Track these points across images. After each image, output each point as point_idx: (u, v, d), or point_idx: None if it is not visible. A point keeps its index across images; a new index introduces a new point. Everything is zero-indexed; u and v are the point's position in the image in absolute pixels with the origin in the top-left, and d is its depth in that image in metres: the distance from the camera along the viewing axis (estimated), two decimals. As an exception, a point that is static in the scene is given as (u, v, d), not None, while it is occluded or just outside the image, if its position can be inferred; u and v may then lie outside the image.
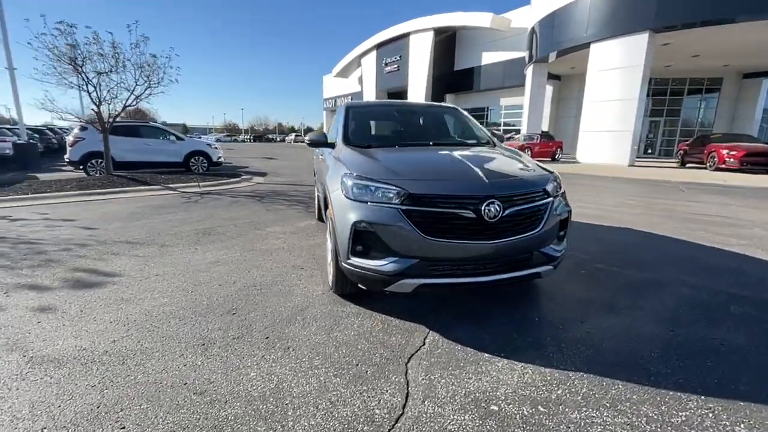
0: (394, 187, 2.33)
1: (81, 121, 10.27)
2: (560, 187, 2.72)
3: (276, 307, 2.71)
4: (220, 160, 12.57)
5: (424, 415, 1.66)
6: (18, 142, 13.44)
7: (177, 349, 2.17)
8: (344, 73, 46.05)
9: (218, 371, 1.96)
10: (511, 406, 1.73)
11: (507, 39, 26.12)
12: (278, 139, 67.37)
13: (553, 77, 24.58)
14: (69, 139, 10.64)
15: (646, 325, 2.47)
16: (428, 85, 31.27)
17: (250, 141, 66.34)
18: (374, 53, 37.99)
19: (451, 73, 31.38)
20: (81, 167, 10.49)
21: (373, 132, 3.99)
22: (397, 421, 1.63)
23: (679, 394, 1.81)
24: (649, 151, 24.81)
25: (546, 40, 19.61)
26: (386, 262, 2.30)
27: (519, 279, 2.47)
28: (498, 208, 2.27)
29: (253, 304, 2.74)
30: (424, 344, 2.25)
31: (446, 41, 30.87)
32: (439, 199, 2.30)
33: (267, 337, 2.31)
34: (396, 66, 35.05)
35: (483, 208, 2.26)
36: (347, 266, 2.45)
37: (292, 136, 62.98)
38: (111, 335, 2.32)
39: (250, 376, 1.92)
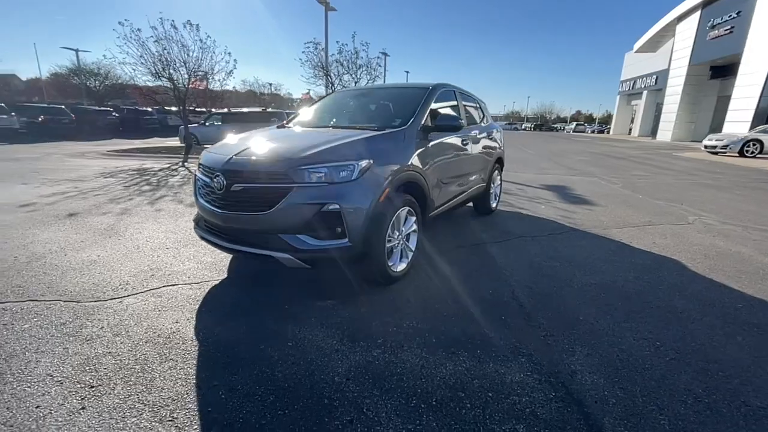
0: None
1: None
2: (335, 179, 2.36)
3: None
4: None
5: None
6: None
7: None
8: (651, 46, 36.78)
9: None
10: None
11: None
12: (560, 128, 62.82)
13: None
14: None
15: None
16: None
17: (530, 129, 65.23)
18: (696, 15, 28.27)
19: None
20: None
21: (316, 115, 4.03)
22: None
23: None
24: None
25: None
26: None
27: (254, 256, 2.50)
28: (221, 182, 2.46)
29: None
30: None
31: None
32: (203, 168, 2.73)
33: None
34: (728, 28, 24.88)
35: (213, 180, 2.53)
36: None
37: (573, 125, 56.96)
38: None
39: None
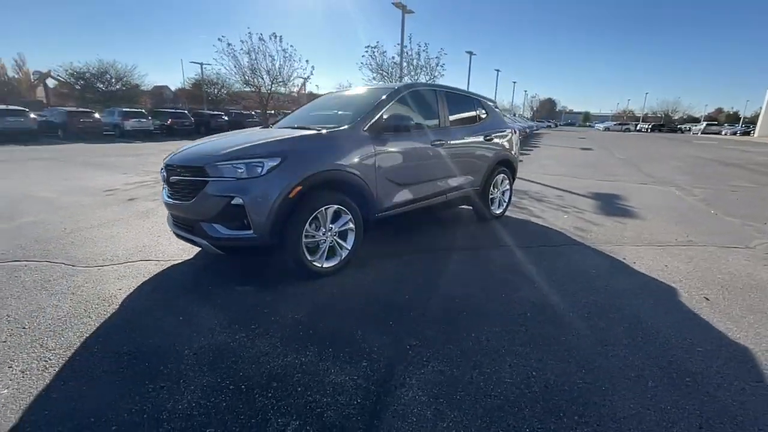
0: None
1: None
2: (242, 175, 2.59)
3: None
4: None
5: (77, 268, 3.12)
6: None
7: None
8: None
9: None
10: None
11: None
12: (686, 129, 53.37)
13: None
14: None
15: None
16: None
17: (647, 131, 56.72)
18: None
19: None
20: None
21: (295, 116, 4.27)
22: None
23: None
24: None
25: None
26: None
27: (187, 240, 2.86)
28: (164, 175, 2.88)
29: None
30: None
31: None
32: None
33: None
34: None
35: (161, 172, 2.96)
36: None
37: (702, 125, 47.70)
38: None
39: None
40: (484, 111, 4.66)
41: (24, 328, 2.24)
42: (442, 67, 12.45)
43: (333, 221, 2.99)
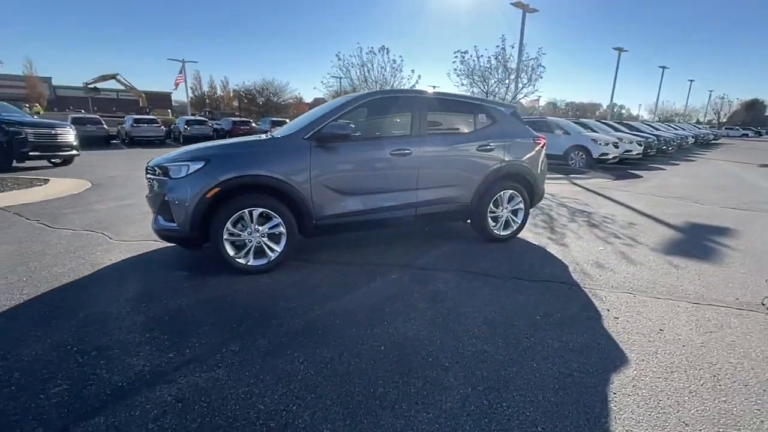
0: None
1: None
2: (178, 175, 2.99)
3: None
4: (603, 156, 11.63)
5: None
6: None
7: None
8: None
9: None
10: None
11: None
12: None
13: None
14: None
15: None
16: None
17: None
18: None
19: None
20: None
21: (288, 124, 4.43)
22: (108, 237, 4.21)
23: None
24: None
25: None
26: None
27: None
28: (145, 174, 3.51)
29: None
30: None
31: None
32: None
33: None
34: None
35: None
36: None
37: None
38: None
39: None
40: (486, 118, 4.11)
41: (25, 280, 3.11)
42: (541, 68, 11.11)
43: (262, 223, 3.17)
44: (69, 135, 9.74)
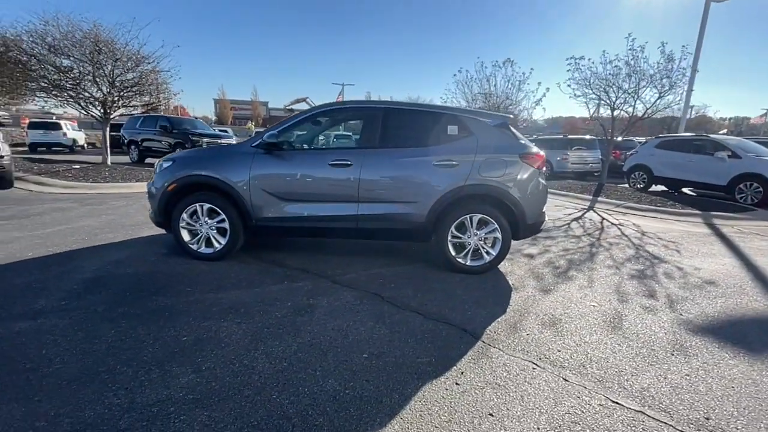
0: None
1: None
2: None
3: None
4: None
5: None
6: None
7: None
8: None
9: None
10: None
11: None
12: None
13: None
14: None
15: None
16: None
17: None
18: None
19: None
20: (626, 178, 11.52)
21: None
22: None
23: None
24: None
25: None
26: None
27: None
28: None
29: None
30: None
31: None
32: None
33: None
34: None
35: None
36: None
37: None
38: None
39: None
40: (459, 130, 3.59)
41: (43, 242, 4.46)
42: (681, 72, 8.17)
43: (213, 218, 3.70)
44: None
